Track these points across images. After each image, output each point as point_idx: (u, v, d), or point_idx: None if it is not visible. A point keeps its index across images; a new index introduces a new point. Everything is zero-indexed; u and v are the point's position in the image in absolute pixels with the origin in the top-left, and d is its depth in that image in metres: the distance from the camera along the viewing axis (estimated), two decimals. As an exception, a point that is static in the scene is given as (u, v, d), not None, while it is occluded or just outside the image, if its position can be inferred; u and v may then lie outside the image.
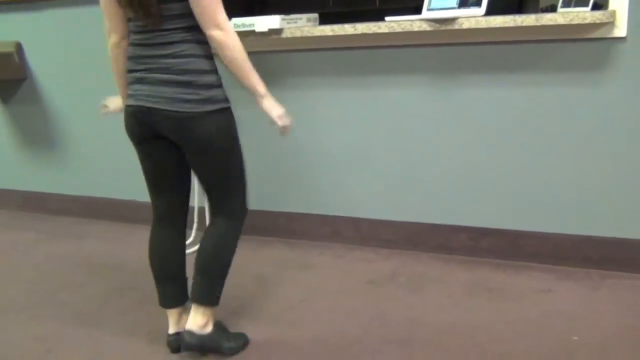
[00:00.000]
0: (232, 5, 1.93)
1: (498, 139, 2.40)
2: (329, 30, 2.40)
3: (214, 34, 1.61)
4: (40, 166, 3.51)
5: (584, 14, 2.04)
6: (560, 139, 2.30)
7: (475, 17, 2.14)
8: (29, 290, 2.52)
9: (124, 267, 2.71)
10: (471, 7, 2.15)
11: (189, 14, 1.62)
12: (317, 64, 2.61)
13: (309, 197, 2.82)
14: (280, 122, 1.76)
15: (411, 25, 2.25)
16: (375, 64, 2.51)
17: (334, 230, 2.80)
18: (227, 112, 1.75)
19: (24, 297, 2.46)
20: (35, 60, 3.30)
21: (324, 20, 2.60)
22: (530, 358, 1.82)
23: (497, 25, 2.13)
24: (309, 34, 2.44)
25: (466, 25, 2.16)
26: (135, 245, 2.99)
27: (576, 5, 2.14)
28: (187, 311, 1.95)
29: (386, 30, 2.29)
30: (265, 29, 2.45)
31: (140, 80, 1.71)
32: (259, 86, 1.70)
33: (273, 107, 1.74)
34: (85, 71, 3.16)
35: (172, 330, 1.96)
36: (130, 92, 1.74)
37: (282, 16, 2.46)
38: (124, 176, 3.25)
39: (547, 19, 2.08)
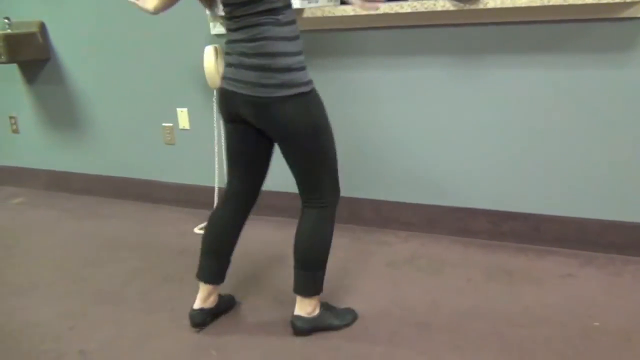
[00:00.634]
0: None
1: (521, 122, 2.35)
2: (350, 10, 2.37)
3: None
4: (65, 146, 3.56)
5: (613, -7, 1.97)
6: (586, 121, 2.25)
7: (500, -3, 2.09)
8: (53, 268, 2.57)
9: (146, 247, 2.75)
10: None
11: None
12: (338, 44, 2.58)
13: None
14: None
15: (434, 4, 2.21)
16: (398, 45, 2.47)
17: (352, 212, 2.79)
18: (307, 96, 1.70)
19: (48, 274, 2.51)
20: (59, 41, 3.33)
21: (345, -1, 2.57)
22: (550, 343, 1.80)
23: (523, 5, 2.08)
24: (330, 14, 2.41)
25: (491, 4, 2.12)
26: (157, 225, 3.03)
27: (605, -16, 2.07)
28: (216, 292, 2.00)
29: (409, 10, 2.25)
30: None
31: (229, 64, 1.74)
32: None
33: None
34: (109, 52, 3.18)
35: (197, 305, 1.99)
36: (224, 74, 1.78)
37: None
38: (147, 157, 3.28)
39: (575, -2, 2.02)
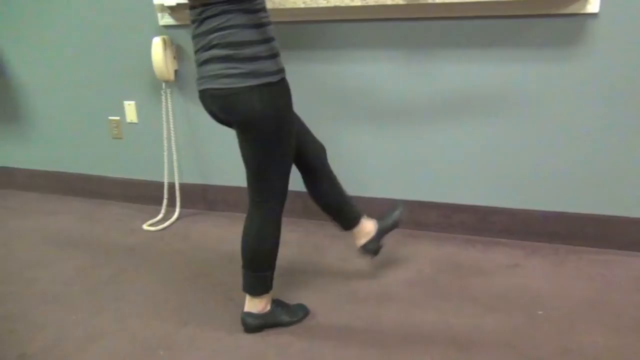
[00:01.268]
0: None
1: (469, 116, 2.39)
2: (300, 2, 2.34)
3: None
4: (6, 140, 3.41)
5: (556, -11, 2.02)
6: (532, 115, 2.30)
7: (447, -9, 2.11)
8: (-6, 268, 2.47)
9: (93, 244, 2.67)
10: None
11: None
12: (289, 37, 2.56)
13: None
14: None
15: (384, -2, 2.21)
16: (346, 38, 2.46)
17: (305, 206, 2.78)
18: (275, 86, 1.63)
19: (-12, 275, 2.41)
20: (-3, 31, 3.18)
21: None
22: (497, 332, 1.84)
23: (469, 0, 2.10)
24: (281, 6, 2.38)
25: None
26: (104, 221, 2.94)
27: (549, -20, 2.11)
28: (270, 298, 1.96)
29: (359, 4, 2.25)
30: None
31: (196, 62, 1.67)
32: None
33: None
34: (52, 42, 3.05)
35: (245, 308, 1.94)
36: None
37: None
38: (94, 151, 3.18)
39: (520, -7, 2.05)
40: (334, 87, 2.55)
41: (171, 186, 2.97)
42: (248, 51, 1.57)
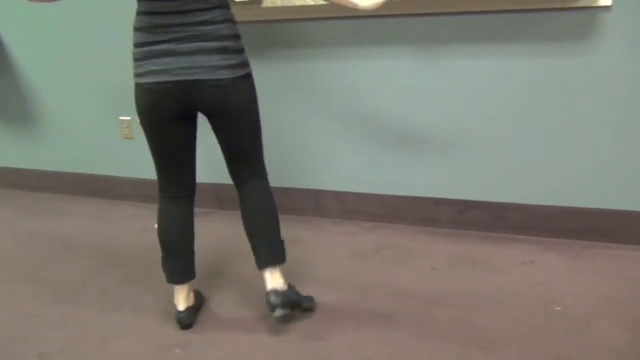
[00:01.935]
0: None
1: (482, 110, 2.38)
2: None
3: None
4: (17, 141, 3.42)
5: (570, -17, 2.00)
6: (545, 109, 2.29)
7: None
8: (9, 268, 2.48)
9: (105, 245, 2.67)
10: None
11: None
12: (287, 36, 2.56)
13: (293, 172, 2.79)
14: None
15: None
16: (348, 36, 2.46)
17: (317, 204, 2.78)
18: (252, 76, 1.79)
19: (4, 275, 2.42)
20: (9, 31, 3.19)
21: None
22: (514, 329, 1.83)
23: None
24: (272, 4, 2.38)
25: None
26: (117, 221, 2.95)
27: (562, -26, 2.10)
28: (191, 287, 1.98)
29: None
30: None
31: (168, 53, 1.64)
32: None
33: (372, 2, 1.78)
34: (62, 42, 3.06)
35: (182, 307, 1.95)
36: (154, 67, 1.65)
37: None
38: (105, 151, 3.19)
39: (533, -13, 2.04)
40: (342, 85, 2.55)
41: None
42: (240, 43, 1.72)
